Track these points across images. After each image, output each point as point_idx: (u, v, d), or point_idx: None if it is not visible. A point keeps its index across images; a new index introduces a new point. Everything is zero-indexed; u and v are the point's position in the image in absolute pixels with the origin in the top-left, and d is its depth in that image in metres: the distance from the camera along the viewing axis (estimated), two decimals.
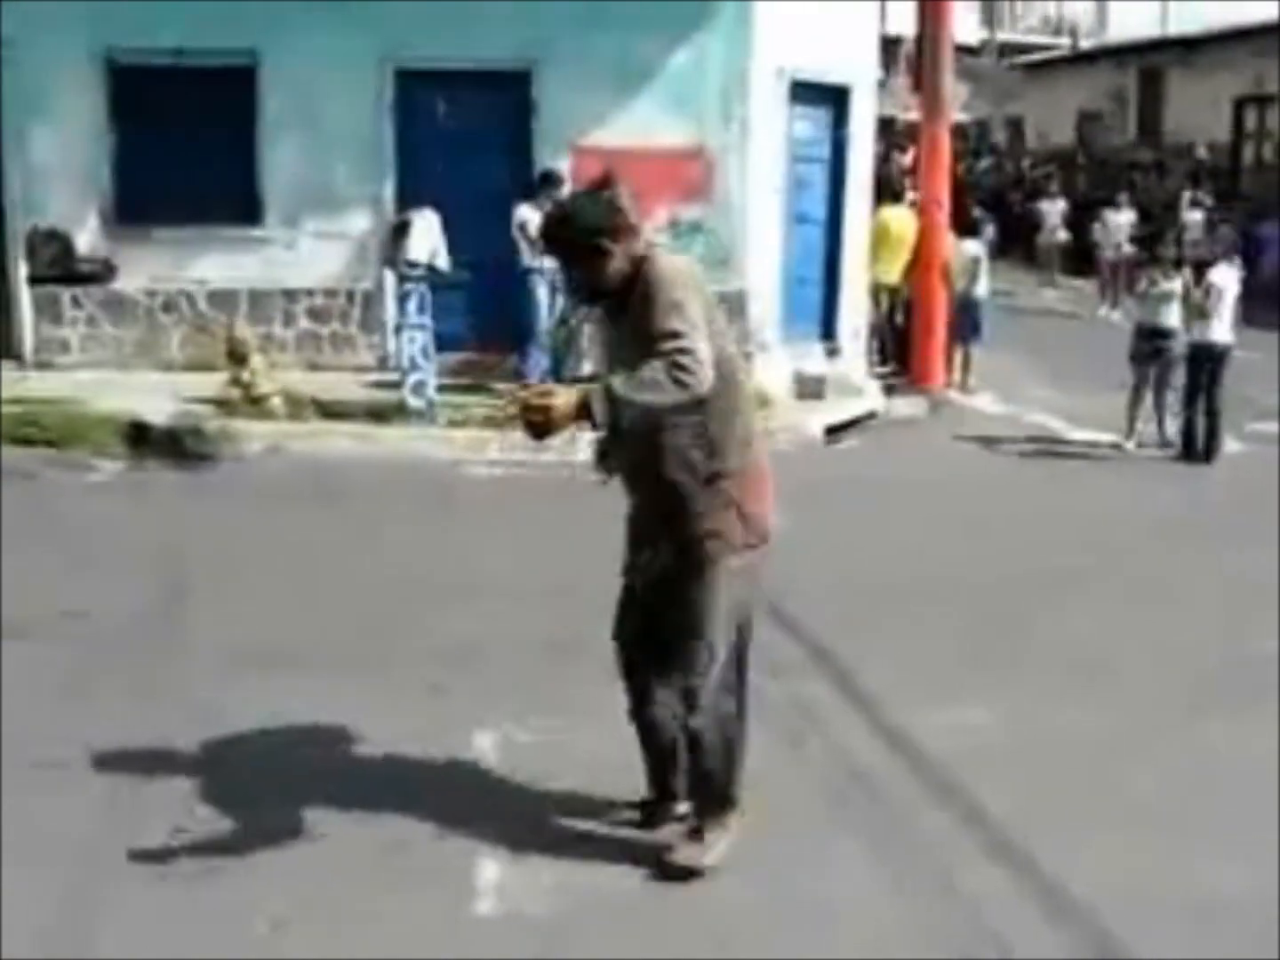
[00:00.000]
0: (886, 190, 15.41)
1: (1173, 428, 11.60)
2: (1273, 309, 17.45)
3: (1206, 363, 11.30)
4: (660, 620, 4.25)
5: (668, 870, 4.32)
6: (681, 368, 3.78)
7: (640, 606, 4.32)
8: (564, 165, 11.96)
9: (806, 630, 6.60)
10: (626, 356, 3.96)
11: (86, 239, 12.39)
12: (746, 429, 4.26)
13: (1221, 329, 11.29)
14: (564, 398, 3.75)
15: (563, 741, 5.14)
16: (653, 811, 4.59)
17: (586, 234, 4.09)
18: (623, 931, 4.05)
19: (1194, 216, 23.48)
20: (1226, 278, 11.44)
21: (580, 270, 4.15)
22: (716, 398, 4.02)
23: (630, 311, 4.02)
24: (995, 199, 25.65)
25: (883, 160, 18.28)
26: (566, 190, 11.73)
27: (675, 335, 3.82)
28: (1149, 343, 11.60)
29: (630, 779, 4.65)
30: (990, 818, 4.74)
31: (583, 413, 3.74)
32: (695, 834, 4.41)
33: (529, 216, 11.39)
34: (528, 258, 11.46)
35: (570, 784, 4.84)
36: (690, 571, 4.18)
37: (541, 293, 11.54)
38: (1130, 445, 11.57)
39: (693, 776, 4.43)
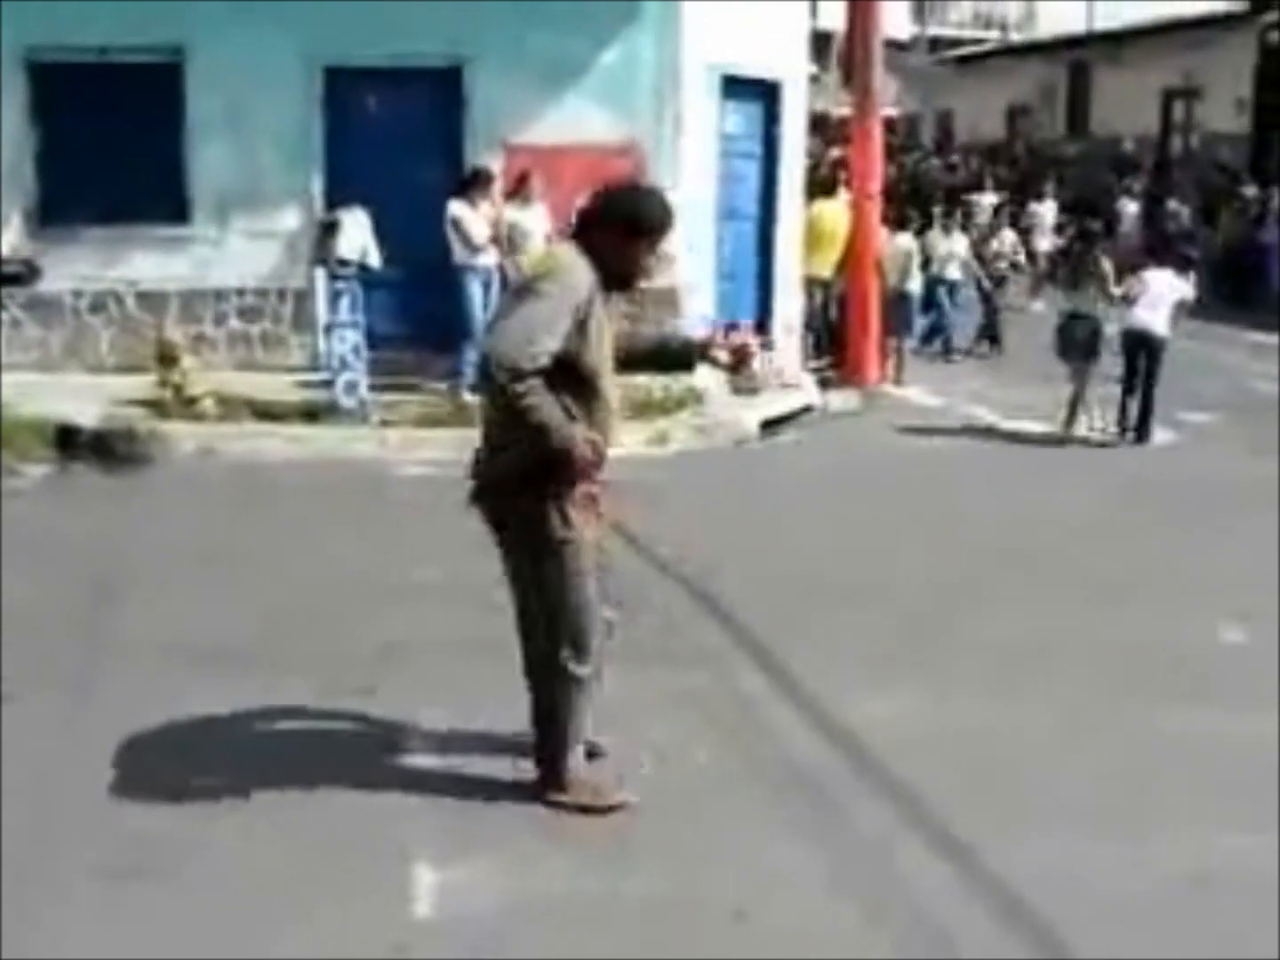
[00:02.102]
0: (819, 185, 15.50)
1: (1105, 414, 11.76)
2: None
3: (1140, 351, 11.45)
4: None
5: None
6: None
7: None
8: (496, 163, 11.94)
9: (739, 624, 6.64)
10: None
11: (9, 239, 12.22)
12: None
13: (1157, 320, 11.40)
14: None
15: (493, 734, 5.13)
16: None
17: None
18: (566, 927, 4.04)
19: (1129, 208, 23.77)
20: (1166, 281, 11.56)
21: None
22: None
23: None
24: (923, 193, 25.81)
25: (814, 154, 18.39)
26: (497, 187, 11.75)
27: None
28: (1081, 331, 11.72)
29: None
30: (928, 809, 4.77)
31: None
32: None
33: (461, 213, 11.35)
34: (460, 255, 11.43)
35: (504, 777, 4.86)
36: None
37: (475, 290, 11.51)
38: (1078, 431, 11.72)
39: None
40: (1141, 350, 11.46)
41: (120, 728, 5.23)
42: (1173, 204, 22.87)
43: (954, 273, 15.87)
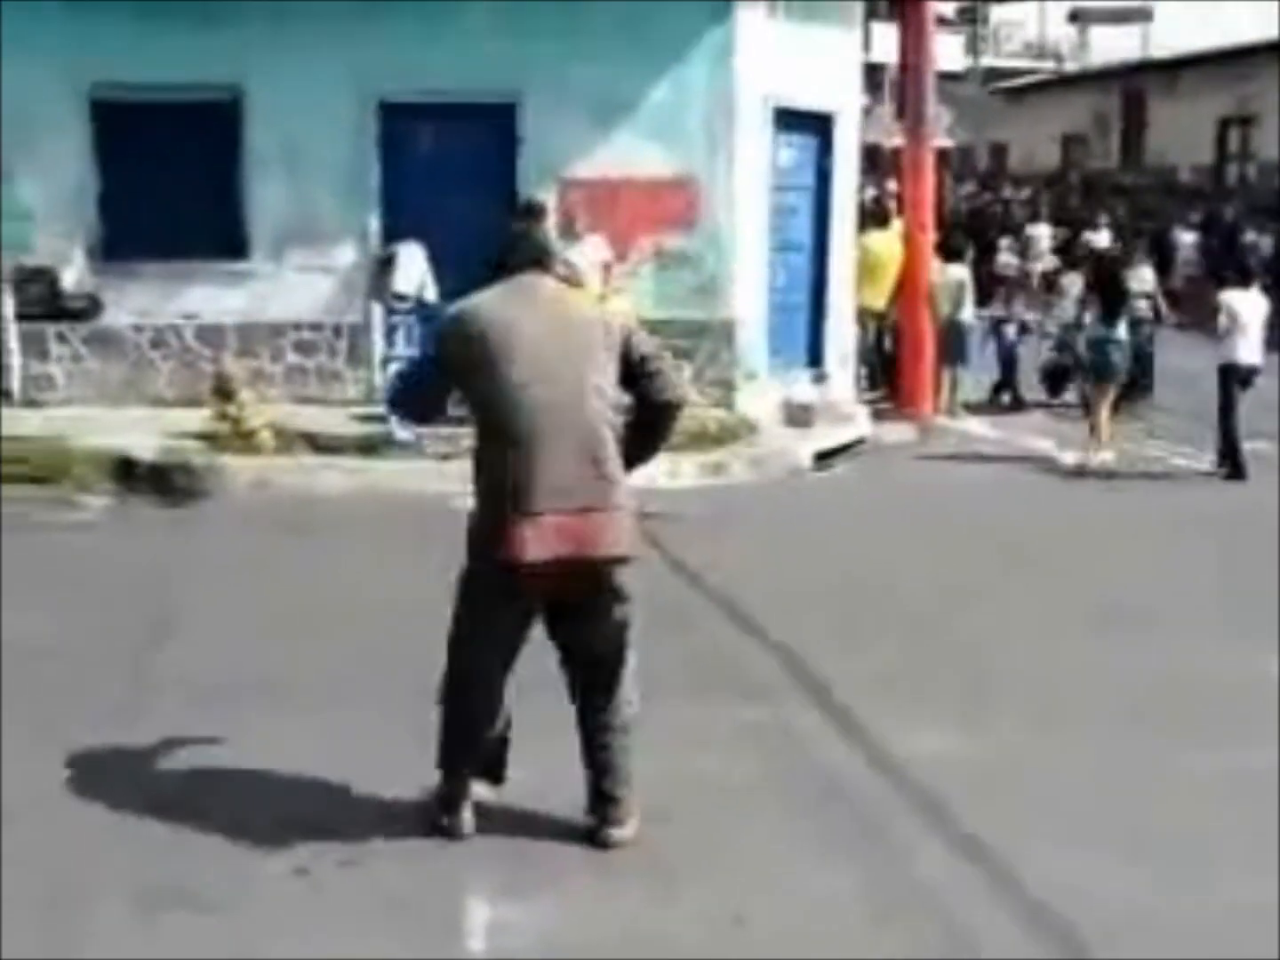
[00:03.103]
0: (871, 217, 15.47)
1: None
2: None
3: (1233, 381, 11.36)
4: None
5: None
6: (680, 412, 4.89)
7: None
8: (549, 197, 11.98)
9: (790, 654, 6.64)
10: None
11: (72, 275, 12.37)
12: None
13: (1247, 349, 11.31)
14: None
15: (551, 776, 5.10)
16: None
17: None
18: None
19: (1185, 238, 23.56)
20: (1245, 301, 11.48)
21: None
22: None
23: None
24: (977, 224, 25.73)
25: (868, 187, 18.35)
26: (551, 222, 11.77)
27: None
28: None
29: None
30: (971, 837, 4.73)
31: None
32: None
33: None
34: None
35: (559, 815, 4.83)
36: None
37: None
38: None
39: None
40: (1235, 380, 11.34)
41: (170, 764, 5.26)
42: (1250, 236, 22.61)
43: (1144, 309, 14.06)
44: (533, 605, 4.54)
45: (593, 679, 4.65)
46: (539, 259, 4.65)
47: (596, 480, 4.39)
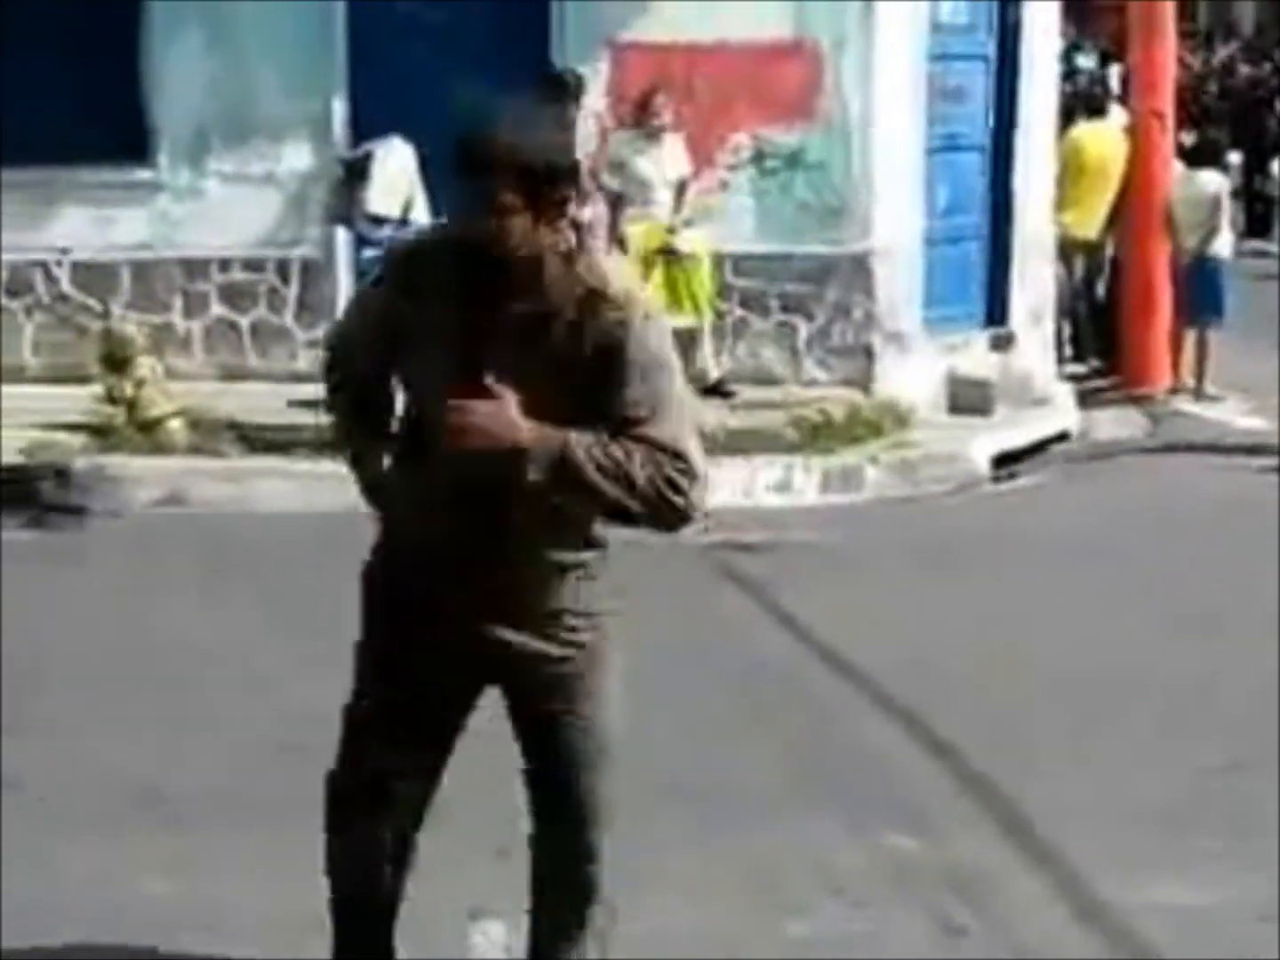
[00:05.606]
0: (1082, 100, 15.41)
1: None
2: None
3: None
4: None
5: None
6: (679, 492, 3.89)
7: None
8: (597, 70, 11.98)
9: (958, 751, 6.69)
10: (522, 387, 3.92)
11: None
12: None
13: None
14: (512, 414, 3.84)
15: None
16: None
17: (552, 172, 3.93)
18: None
19: None
20: None
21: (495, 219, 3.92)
22: None
23: (553, 340, 3.94)
24: (1243, 109, 25.53)
25: (1077, 56, 18.25)
26: (598, 102, 11.79)
27: (681, 456, 3.90)
28: None
29: None
30: None
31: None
32: None
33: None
34: None
35: None
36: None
37: None
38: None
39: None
40: None
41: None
42: None
43: None
44: None
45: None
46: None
47: None
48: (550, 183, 3.90)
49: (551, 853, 4.42)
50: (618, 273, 4.14)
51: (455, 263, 3.99)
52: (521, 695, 4.31)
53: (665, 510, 3.92)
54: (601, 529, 4.19)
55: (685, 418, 3.98)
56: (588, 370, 3.90)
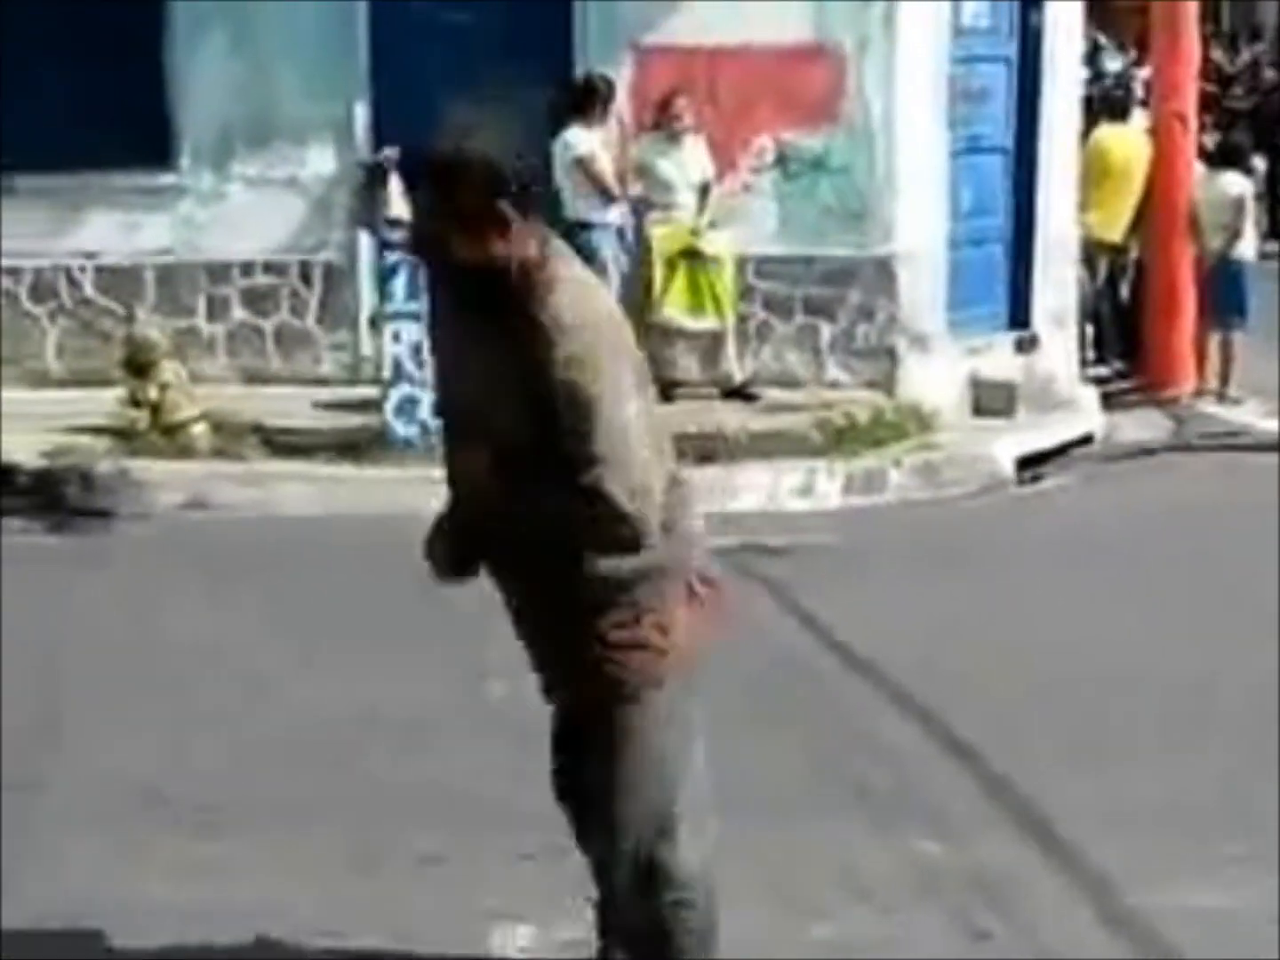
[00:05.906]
0: (1105, 102, 15.37)
1: None
2: None
3: None
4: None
5: None
6: (602, 528, 3.90)
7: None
8: (620, 72, 11.98)
9: (980, 753, 6.67)
10: (482, 390, 3.96)
11: None
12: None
13: None
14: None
15: None
16: None
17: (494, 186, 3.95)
18: None
19: None
20: None
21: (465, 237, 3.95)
22: None
23: (512, 342, 3.91)
24: (1268, 111, 25.46)
25: (1100, 57, 18.22)
26: (622, 109, 11.80)
27: (594, 462, 3.82)
28: None
29: None
30: None
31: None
32: None
33: (586, 146, 11.39)
34: (583, 207, 11.49)
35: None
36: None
37: (607, 254, 11.51)
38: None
39: None
40: None
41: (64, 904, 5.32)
42: None
43: None
44: None
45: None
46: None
47: None
48: (493, 193, 3.92)
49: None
50: (573, 295, 3.95)
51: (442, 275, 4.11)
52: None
53: (614, 549, 3.96)
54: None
55: (622, 447, 3.84)
56: (530, 393, 3.86)
